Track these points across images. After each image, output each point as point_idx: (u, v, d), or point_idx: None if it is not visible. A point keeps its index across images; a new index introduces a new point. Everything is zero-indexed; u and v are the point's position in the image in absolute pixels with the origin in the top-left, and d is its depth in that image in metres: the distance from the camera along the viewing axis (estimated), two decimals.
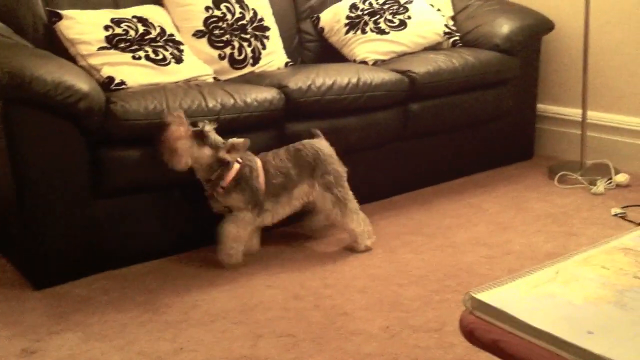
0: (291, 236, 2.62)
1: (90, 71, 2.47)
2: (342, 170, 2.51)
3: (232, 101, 2.47)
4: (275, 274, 2.35)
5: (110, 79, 2.46)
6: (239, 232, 2.36)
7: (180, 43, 2.78)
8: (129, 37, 2.63)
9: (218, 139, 2.31)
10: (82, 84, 2.15)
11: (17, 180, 2.17)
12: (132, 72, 2.53)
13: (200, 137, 2.27)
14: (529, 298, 1.02)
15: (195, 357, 1.86)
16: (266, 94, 2.57)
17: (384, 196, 3.01)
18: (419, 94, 2.95)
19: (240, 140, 2.31)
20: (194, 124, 2.29)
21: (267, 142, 2.57)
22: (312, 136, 2.55)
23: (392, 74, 2.91)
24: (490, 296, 1.02)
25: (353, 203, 2.51)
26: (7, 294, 2.23)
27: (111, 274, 2.35)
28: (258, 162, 2.38)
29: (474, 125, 3.23)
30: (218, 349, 1.89)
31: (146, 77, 2.55)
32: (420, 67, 2.99)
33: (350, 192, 2.51)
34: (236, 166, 2.33)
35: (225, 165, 2.31)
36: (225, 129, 2.44)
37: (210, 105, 2.42)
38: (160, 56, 2.64)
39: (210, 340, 1.95)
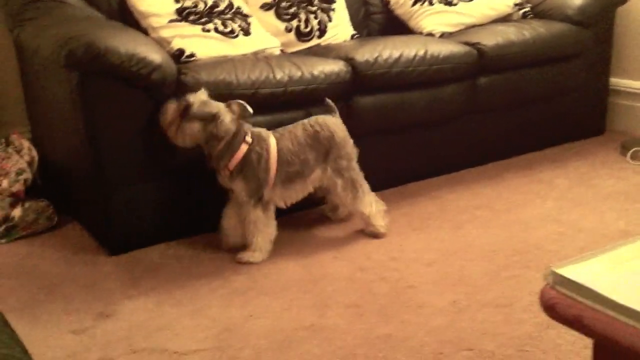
0: None
1: (161, 43, 2.51)
2: (353, 152, 2.41)
3: (299, 73, 2.47)
4: (341, 246, 2.37)
5: (181, 51, 2.50)
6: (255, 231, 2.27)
7: (248, 15, 2.79)
8: (198, 10, 2.65)
9: (204, 111, 2.14)
10: (155, 56, 2.19)
11: (92, 149, 2.23)
12: (201, 44, 2.56)
13: (186, 112, 2.13)
14: (613, 274, 0.99)
15: (264, 324, 1.90)
16: (333, 67, 2.56)
17: (451, 170, 2.98)
18: (488, 67, 2.90)
19: (235, 101, 2.17)
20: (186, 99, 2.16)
21: None
22: (327, 109, 2.43)
23: (461, 46, 2.86)
24: (572, 271, 0.99)
25: (364, 185, 2.41)
26: (84, 259, 2.31)
27: (183, 241, 2.40)
28: (272, 144, 2.24)
29: (544, 99, 3.16)
30: (286, 317, 1.92)
31: (215, 50, 2.57)
32: (490, 39, 2.93)
33: (361, 173, 2.42)
34: (243, 147, 2.18)
35: (230, 139, 2.17)
36: (292, 102, 2.46)
37: (278, 77, 2.43)
38: (229, 28, 2.66)
39: (278, 308, 1.98)
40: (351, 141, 2.41)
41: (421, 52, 2.72)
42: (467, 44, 2.89)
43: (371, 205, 2.41)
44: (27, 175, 2.50)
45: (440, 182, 2.90)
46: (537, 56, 3.03)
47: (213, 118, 2.15)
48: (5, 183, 2.47)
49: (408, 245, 2.36)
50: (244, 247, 2.29)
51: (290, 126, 2.33)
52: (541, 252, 2.26)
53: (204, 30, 2.60)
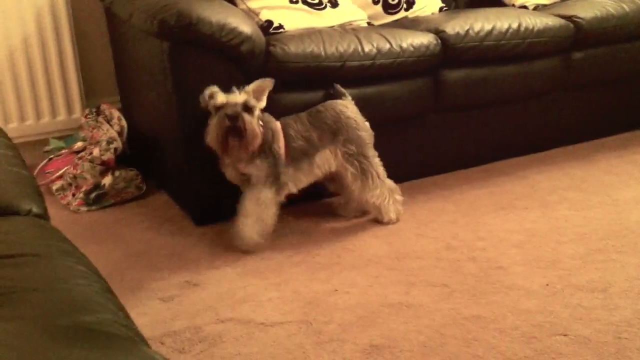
0: (440, 185, 2.56)
1: (249, 14, 2.49)
2: (366, 135, 2.26)
3: (388, 46, 2.42)
4: (425, 224, 2.32)
5: (269, 22, 2.48)
6: (261, 213, 2.15)
7: None
8: None
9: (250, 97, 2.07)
10: (245, 27, 2.17)
11: (181, 119, 2.24)
12: (289, 15, 2.53)
13: (250, 108, 2.06)
14: None
15: (350, 299, 1.88)
16: (422, 39, 2.49)
17: (541, 149, 2.88)
18: (585, 41, 2.77)
19: (260, 81, 2.09)
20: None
21: (421, 89, 2.52)
22: (337, 95, 2.33)
23: (556, 19, 2.74)
24: None
25: (376, 175, 2.26)
26: (170, 228, 2.35)
27: None
28: (278, 125, 2.18)
29: None
30: (372, 293, 1.90)
31: (303, 21, 2.54)
32: (587, 12, 2.80)
33: (376, 160, 2.27)
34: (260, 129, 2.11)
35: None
36: (380, 75, 2.41)
37: (367, 49, 2.38)
38: (317, 0, 2.63)
39: (363, 283, 1.96)
40: (366, 125, 2.29)
41: (514, 25, 2.62)
42: (562, 17, 2.76)
43: (383, 195, 2.28)
44: (118, 144, 2.55)
45: (529, 161, 2.80)
46: (637, 30, 2.88)
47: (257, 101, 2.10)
48: (96, 151, 2.53)
49: (495, 225, 2.29)
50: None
51: (295, 113, 2.25)
52: (637, 236, 2.16)
53: (291, 1, 2.58)
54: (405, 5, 2.92)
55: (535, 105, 2.81)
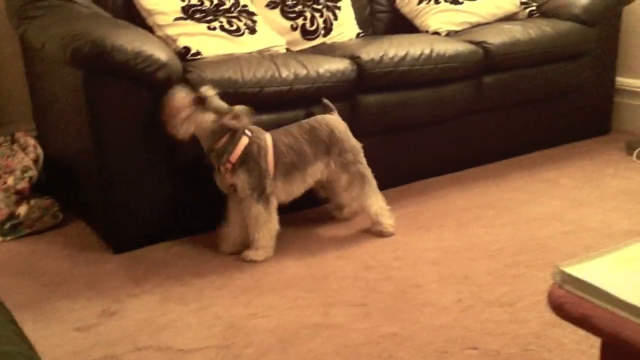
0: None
1: (167, 41, 2.51)
2: (358, 147, 2.40)
3: (305, 72, 2.47)
4: (345, 245, 2.36)
5: (187, 49, 2.50)
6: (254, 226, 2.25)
7: (253, 14, 2.79)
8: (204, 8, 2.65)
9: (221, 104, 2.17)
10: (161, 54, 2.18)
11: (96, 147, 2.23)
12: (207, 42, 2.56)
13: (201, 103, 2.15)
14: (621, 273, 0.99)
15: (269, 322, 1.89)
16: (339, 65, 2.56)
17: (455, 169, 2.97)
18: (494, 66, 2.89)
19: (244, 107, 2.18)
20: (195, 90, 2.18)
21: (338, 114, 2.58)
22: (325, 108, 2.45)
23: (466, 45, 2.85)
24: (580, 270, 0.99)
25: (373, 180, 2.41)
26: (87, 256, 2.31)
27: (186, 240, 2.40)
28: (268, 140, 2.24)
29: (550, 98, 3.15)
30: (291, 316, 1.92)
31: (221, 48, 2.57)
32: (496, 37, 2.92)
33: (369, 169, 2.41)
34: (244, 140, 2.19)
35: (232, 134, 2.18)
36: (298, 100, 2.46)
37: (284, 75, 2.42)
38: (235, 27, 2.66)
39: (283, 307, 1.98)
40: (352, 137, 2.40)
41: (427, 51, 2.72)
42: (472, 42, 2.88)
43: (379, 202, 2.41)
44: (33, 173, 2.50)
45: (445, 181, 2.89)
46: (543, 55, 3.02)
47: (226, 112, 2.16)
48: (10, 180, 2.48)
49: (412, 244, 2.36)
50: (246, 246, 2.28)
51: (285, 126, 2.34)
52: (546, 251, 2.26)
53: (209, 28, 2.61)
54: (323, 32, 2.99)
55: (450, 128, 2.91)
